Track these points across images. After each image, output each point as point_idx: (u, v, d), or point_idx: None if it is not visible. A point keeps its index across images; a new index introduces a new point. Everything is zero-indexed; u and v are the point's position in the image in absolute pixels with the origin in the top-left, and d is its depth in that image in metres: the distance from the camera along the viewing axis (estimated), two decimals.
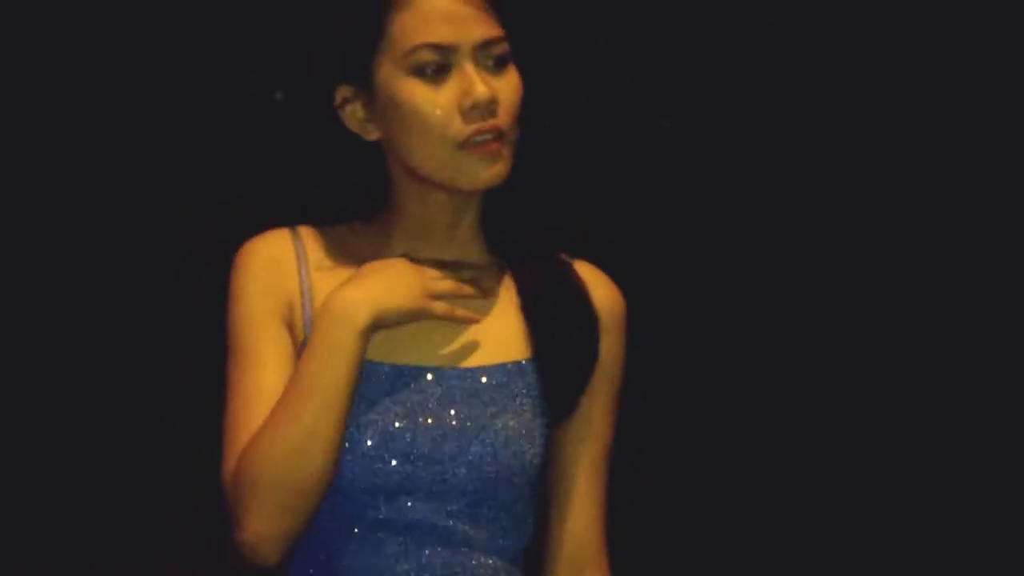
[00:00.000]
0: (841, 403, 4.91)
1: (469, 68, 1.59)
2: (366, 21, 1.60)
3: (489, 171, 1.61)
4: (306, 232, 1.70)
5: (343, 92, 1.66)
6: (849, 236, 5.08)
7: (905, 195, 5.05)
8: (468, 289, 1.65)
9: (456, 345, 1.67)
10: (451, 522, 1.62)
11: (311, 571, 1.66)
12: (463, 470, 1.61)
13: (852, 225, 5.08)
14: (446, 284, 1.63)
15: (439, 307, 1.62)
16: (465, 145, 1.59)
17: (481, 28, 1.59)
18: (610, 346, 1.70)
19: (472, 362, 1.66)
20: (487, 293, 1.68)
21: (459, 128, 1.59)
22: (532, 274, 1.70)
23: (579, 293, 1.69)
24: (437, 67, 1.59)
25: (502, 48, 1.61)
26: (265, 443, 1.56)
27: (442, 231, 1.68)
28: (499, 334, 1.68)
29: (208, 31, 5.41)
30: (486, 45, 1.60)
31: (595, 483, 1.71)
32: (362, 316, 1.57)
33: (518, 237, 1.71)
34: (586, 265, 1.74)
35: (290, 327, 1.65)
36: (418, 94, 1.59)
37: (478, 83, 1.58)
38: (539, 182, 1.69)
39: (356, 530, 1.63)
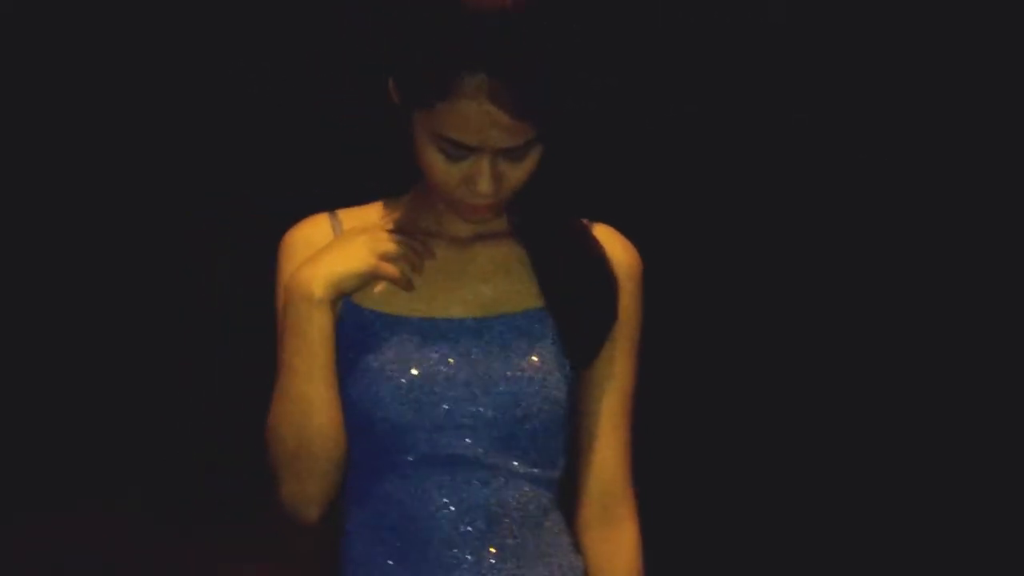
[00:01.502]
0: (838, 398, 4.94)
1: (483, 164, 1.70)
2: (417, 92, 1.69)
3: (475, 218, 1.78)
4: (344, 214, 1.86)
5: (393, 86, 1.75)
6: (845, 233, 5.11)
7: (903, 193, 5.07)
8: (419, 248, 1.79)
9: (478, 297, 1.81)
10: (486, 456, 1.75)
11: (362, 511, 1.79)
12: (492, 407, 1.75)
13: (849, 222, 5.11)
14: (395, 246, 1.76)
15: (387, 268, 1.76)
16: (463, 198, 1.74)
17: (507, 138, 1.68)
18: (628, 301, 1.83)
19: (495, 310, 1.80)
20: (505, 250, 1.83)
21: (460, 193, 1.73)
22: (549, 235, 1.83)
23: (595, 251, 1.82)
24: (457, 155, 1.70)
25: (525, 149, 1.71)
26: (273, 421, 1.75)
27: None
28: (518, 286, 1.82)
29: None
30: (507, 151, 1.70)
31: (620, 423, 1.85)
32: (318, 289, 1.73)
33: (536, 207, 1.82)
34: (603, 227, 1.87)
35: (333, 307, 1.76)
36: (436, 161, 1.72)
37: (486, 185, 1.71)
38: (557, 164, 1.79)
39: (400, 467, 1.76)
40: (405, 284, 1.77)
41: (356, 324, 1.78)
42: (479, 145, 1.68)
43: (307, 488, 1.74)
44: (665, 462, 4.64)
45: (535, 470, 1.77)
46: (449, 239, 1.83)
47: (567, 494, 1.83)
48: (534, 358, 1.76)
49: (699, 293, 5.10)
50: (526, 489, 1.76)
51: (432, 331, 1.77)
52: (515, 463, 1.75)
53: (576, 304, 1.79)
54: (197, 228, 5.69)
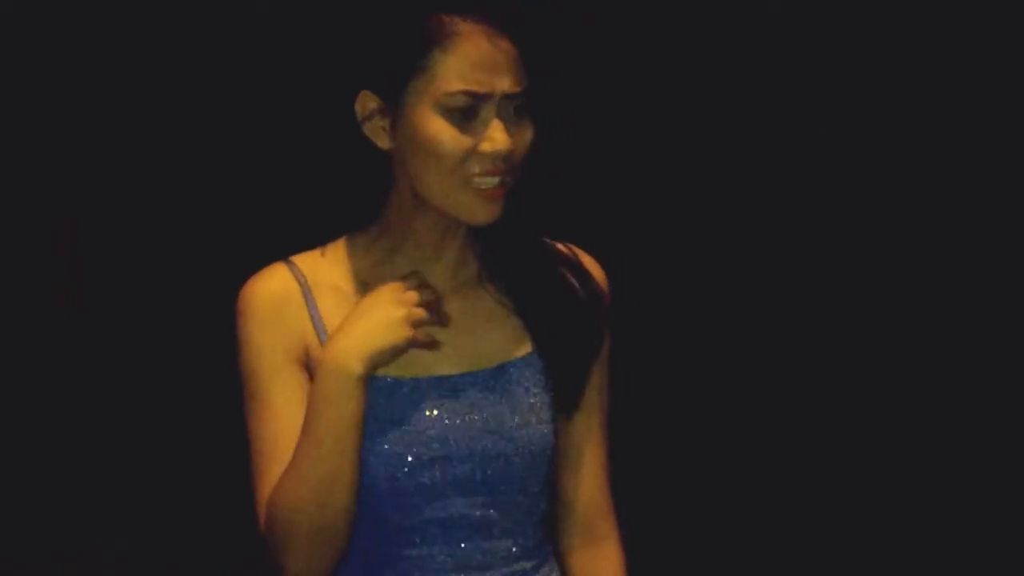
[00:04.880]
0: (832, 400, 4.91)
1: (494, 117, 1.65)
2: (410, 51, 1.65)
3: (485, 210, 1.68)
4: (301, 261, 1.75)
5: (367, 98, 1.70)
6: (844, 232, 5.09)
7: (901, 191, 5.04)
8: (437, 304, 1.71)
9: (464, 352, 1.74)
10: (482, 513, 1.71)
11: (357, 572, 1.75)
12: (491, 466, 1.71)
13: (846, 221, 5.09)
14: (422, 311, 1.68)
15: (421, 336, 1.68)
16: (470, 183, 1.66)
17: (511, 79, 1.65)
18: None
19: (482, 364, 1.74)
20: (482, 298, 1.76)
21: (471, 168, 1.65)
22: (527, 276, 1.77)
23: (576, 288, 1.77)
24: (466, 111, 1.64)
25: (524, 100, 1.67)
26: (291, 489, 1.66)
27: (433, 244, 1.75)
28: (501, 334, 1.76)
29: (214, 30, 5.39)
30: (512, 96, 1.66)
31: (598, 441, 1.81)
32: (356, 366, 1.64)
33: (507, 238, 1.76)
34: (573, 249, 1.82)
35: (305, 365, 1.71)
36: (445, 132, 1.64)
37: (502, 134, 1.65)
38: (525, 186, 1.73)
39: (401, 534, 1.72)
40: (432, 345, 1.70)
41: None
42: (488, 89, 1.62)
43: (320, 560, 1.67)
44: (658, 466, 4.64)
45: (523, 517, 1.74)
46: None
47: (550, 514, 1.81)
48: (529, 415, 1.72)
49: (695, 295, 5.07)
50: (510, 543, 1.73)
51: (420, 394, 1.71)
52: (506, 515, 1.72)
53: (566, 349, 1.74)
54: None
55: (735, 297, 5.21)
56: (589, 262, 1.80)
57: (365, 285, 1.73)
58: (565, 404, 1.75)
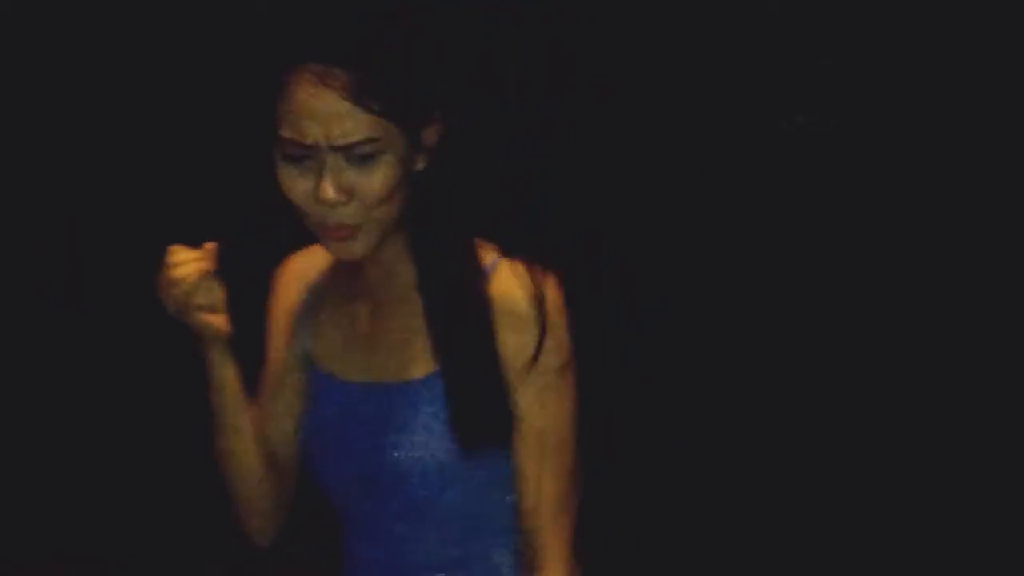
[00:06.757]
0: (826, 402, 4.93)
1: (324, 167, 1.63)
2: (266, 92, 1.66)
3: (343, 251, 1.69)
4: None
5: None
6: (841, 232, 5.10)
7: (899, 188, 5.06)
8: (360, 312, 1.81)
9: (374, 363, 1.77)
10: (397, 523, 1.75)
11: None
12: (388, 477, 1.73)
13: (844, 221, 5.11)
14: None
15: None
16: (317, 225, 1.68)
17: (344, 130, 1.61)
18: (517, 344, 1.72)
19: (385, 377, 1.75)
20: (408, 311, 1.75)
21: (313, 212, 1.66)
22: (435, 282, 1.74)
23: (477, 316, 1.72)
24: (299, 158, 1.64)
25: (368, 148, 1.63)
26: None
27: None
28: (413, 350, 1.75)
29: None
30: (344, 148, 1.62)
31: (540, 475, 1.74)
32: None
33: (439, 239, 1.75)
34: (509, 262, 1.75)
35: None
36: (284, 173, 1.66)
37: (326, 186, 1.63)
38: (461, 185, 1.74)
39: (350, 521, 1.82)
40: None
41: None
42: (314, 140, 1.61)
43: (257, 522, 1.87)
44: (658, 465, 4.66)
45: (453, 527, 1.77)
46: (368, 296, 1.78)
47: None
48: (417, 437, 1.72)
49: (691, 294, 5.09)
50: (449, 550, 1.77)
51: (334, 393, 1.79)
52: (429, 526, 1.76)
53: (458, 371, 1.72)
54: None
55: (731, 296, 5.22)
56: (515, 283, 1.73)
57: (335, 282, 1.82)
58: (461, 427, 1.72)
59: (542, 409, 1.73)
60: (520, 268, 1.74)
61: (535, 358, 1.71)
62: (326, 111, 1.60)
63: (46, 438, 5.46)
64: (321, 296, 1.83)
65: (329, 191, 1.62)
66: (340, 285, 1.82)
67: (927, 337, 4.96)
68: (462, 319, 1.71)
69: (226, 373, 1.76)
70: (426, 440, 1.72)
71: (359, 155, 1.63)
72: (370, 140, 1.62)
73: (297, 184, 1.65)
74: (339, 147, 1.62)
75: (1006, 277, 4.91)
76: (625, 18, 5.20)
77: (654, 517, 4.37)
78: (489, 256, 1.75)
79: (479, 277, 1.73)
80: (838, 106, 5.13)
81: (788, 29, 5.11)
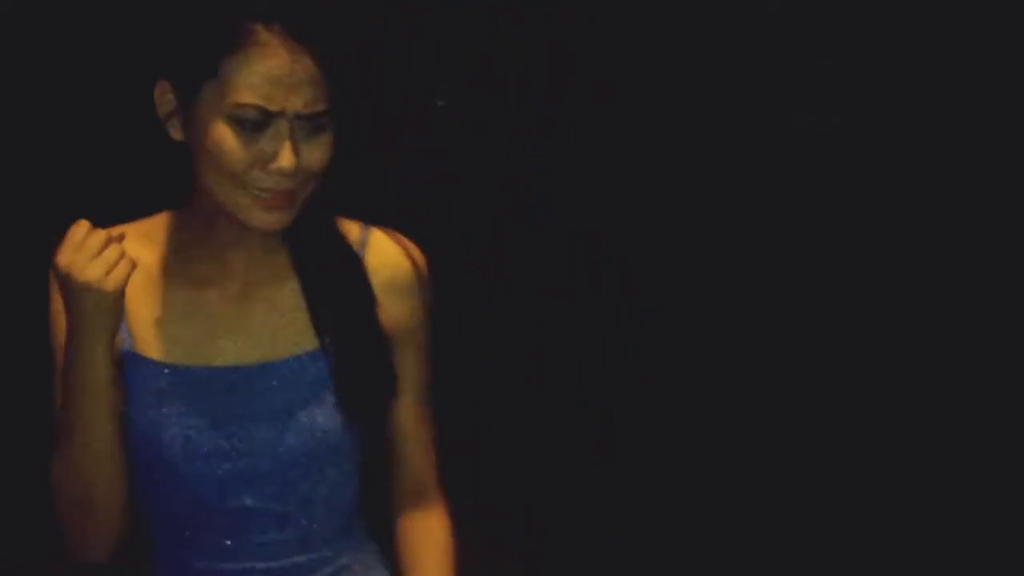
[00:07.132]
0: (831, 395, 4.92)
1: (284, 134, 1.58)
2: (207, 52, 1.58)
3: (268, 217, 1.62)
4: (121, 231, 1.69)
5: (164, 87, 1.65)
6: (839, 232, 5.10)
7: (898, 187, 5.05)
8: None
9: (255, 343, 1.72)
10: (278, 506, 1.71)
11: (169, 566, 1.80)
12: (273, 461, 1.69)
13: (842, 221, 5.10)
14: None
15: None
16: (250, 190, 1.60)
17: (307, 99, 1.58)
18: (404, 311, 1.76)
19: (269, 355, 1.71)
20: (284, 290, 1.73)
21: (253, 177, 1.59)
22: (313, 262, 1.73)
23: (358, 289, 1.73)
24: (256, 123, 1.58)
25: (323, 119, 1.60)
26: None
27: (235, 232, 1.70)
28: (295, 327, 1.73)
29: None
30: (308, 116, 1.59)
31: (421, 425, 1.81)
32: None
33: (306, 231, 1.72)
34: (378, 234, 1.78)
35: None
36: (228, 141, 1.58)
37: (289, 154, 1.58)
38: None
39: (195, 524, 1.73)
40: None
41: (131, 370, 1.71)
42: (279, 107, 1.56)
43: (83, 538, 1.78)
44: (655, 465, 4.65)
45: (326, 508, 1.75)
46: (228, 277, 1.73)
47: (381, 488, 1.86)
48: (315, 410, 1.69)
49: (687, 293, 5.09)
50: (320, 531, 1.75)
51: (199, 382, 1.69)
52: (306, 507, 1.73)
53: (343, 346, 1.71)
54: None
55: (731, 296, 5.22)
56: (390, 251, 1.77)
57: (171, 268, 1.73)
58: (347, 399, 1.71)
59: (422, 365, 1.80)
60: (390, 237, 1.78)
61: (421, 321, 1.77)
62: (298, 79, 1.56)
63: (46, 438, 5.45)
64: (138, 280, 1.72)
65: (290, 158, 1.58)
66: (155, 269, 1.74)
67: (927, 337, 4.96)
68: (344, 294, 1.72)
69: (108, 373, 1.64)
70: (316, 412, 1.70)
71: (315, 126, 1.60)
72: (327, 112, 1.60)
73: (244, 151, 1.57)
74: (305, 116, 1.58)
75: (1006, 277, 4.91)
76: (625, 18, 5.21)
77: (654, 517, 4.36)
78: (354, 229, 1.77)
79: (353, 251, 1.74)
80: (838, 106, 5.14)
81: (788, 29, 5.11)
